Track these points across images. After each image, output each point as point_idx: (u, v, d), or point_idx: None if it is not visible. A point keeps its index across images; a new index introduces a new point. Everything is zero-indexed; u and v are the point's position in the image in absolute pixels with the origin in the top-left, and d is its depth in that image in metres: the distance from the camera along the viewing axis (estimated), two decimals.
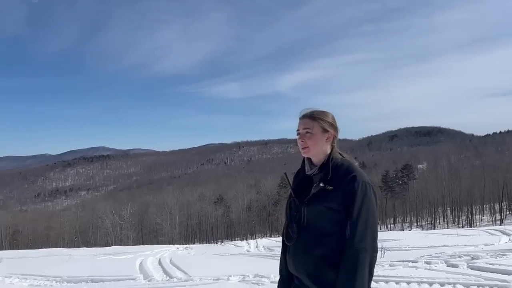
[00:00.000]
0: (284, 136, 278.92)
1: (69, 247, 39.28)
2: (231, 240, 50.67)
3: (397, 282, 6.31)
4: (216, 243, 47.24)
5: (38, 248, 39.30)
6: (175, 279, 9.37)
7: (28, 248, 44.25)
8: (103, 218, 61.04)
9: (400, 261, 9.19)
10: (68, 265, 14.57)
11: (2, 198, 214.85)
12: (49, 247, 42.04)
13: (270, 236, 53.01)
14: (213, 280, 8.17)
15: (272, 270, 8.37)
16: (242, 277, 8.14)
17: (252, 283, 7.33)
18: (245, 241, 33.97)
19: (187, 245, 35.17)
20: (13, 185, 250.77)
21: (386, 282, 6.35)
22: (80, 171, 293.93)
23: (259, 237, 48.31)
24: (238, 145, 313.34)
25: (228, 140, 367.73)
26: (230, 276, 8.36)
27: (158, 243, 49.96)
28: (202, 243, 55.30)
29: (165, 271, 11.05)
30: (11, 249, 45.72)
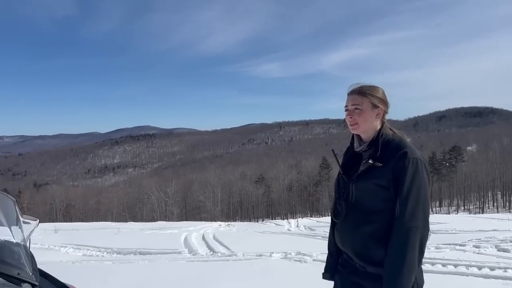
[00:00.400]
0: (326, 116, 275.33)
1: (117, 221, 41.13)
2: (272, 219, 51.20)
3: (443, 265, 6.15)
4: (257, 222, 47.91)
5: (89, 221, 41.60)
6: (218, 253, 9.64)
7: (79, 221, 46.93)
8: (149, 195, 63.49)
9: (446, 244, 8.93)
10: (118, 237, 15.34)
11: (56, 174, 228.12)
12: (98, 221, 44.35)
13: (311, 216, 53.07)
14: (256, 256, 8.32)
15: (313, 249, 8.40)
16: (284, 254, 8.24)
17: (295, 260, 7.39)
18: (285, 220, 34.27)
19: (229, 222, 36.00)
20: (66, 161, 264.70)
21: (432, 264, 6.20)
22: (127, 149, 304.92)
23: (299, 217, 48.50)
24: (279, 125, 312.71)
25: (269, 120, 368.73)
26: (273, 253, 8.47)
27: (201, 219, 51.31)
28: (243, 221, 56.30)
29: (209, 246, 11.39)
30: (64, 221, 48.70)
